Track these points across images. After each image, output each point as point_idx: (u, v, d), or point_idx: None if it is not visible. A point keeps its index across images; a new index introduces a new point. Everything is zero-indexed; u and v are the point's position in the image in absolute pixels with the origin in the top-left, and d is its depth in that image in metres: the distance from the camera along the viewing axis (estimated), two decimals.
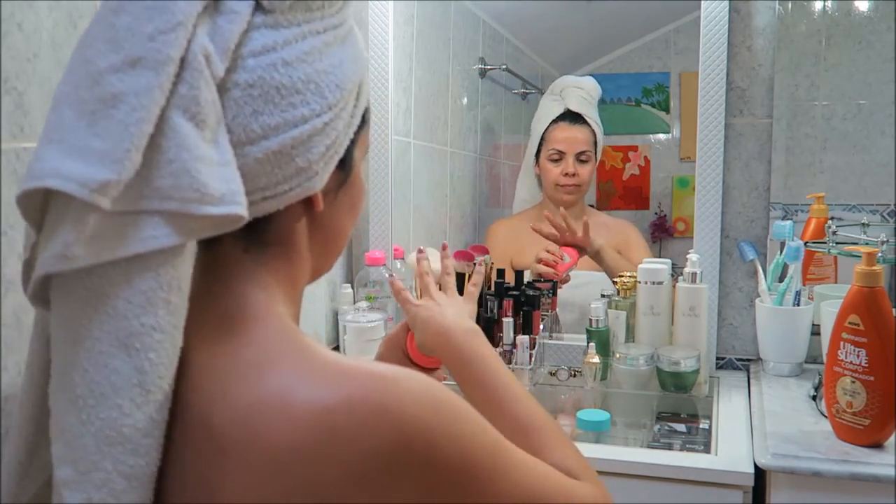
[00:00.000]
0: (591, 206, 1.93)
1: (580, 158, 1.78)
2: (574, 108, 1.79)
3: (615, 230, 1.80)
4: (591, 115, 1.80)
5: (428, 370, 0.92)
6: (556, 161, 1.78)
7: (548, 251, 1.64)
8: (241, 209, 0.51)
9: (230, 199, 0.51)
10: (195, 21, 0.51)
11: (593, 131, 1.80)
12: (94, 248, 0.49)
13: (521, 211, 1.93)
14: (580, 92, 1.80)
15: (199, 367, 0.54)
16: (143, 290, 0.50)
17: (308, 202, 0.59)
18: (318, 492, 0.50)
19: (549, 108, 1.82)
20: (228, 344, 0.55)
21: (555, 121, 1.80)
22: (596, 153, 1.81)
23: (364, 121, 0.64)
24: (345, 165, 0.62)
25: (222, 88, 0.53)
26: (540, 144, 1.82)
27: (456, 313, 0.88)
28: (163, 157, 0.50)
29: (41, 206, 0.52)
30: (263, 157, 0.54)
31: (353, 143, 0.62)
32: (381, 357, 0.94)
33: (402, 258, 1.67)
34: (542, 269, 1.63)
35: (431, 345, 0.86)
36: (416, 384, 0.54)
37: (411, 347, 0.91)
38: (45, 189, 0.48)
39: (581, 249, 1.66)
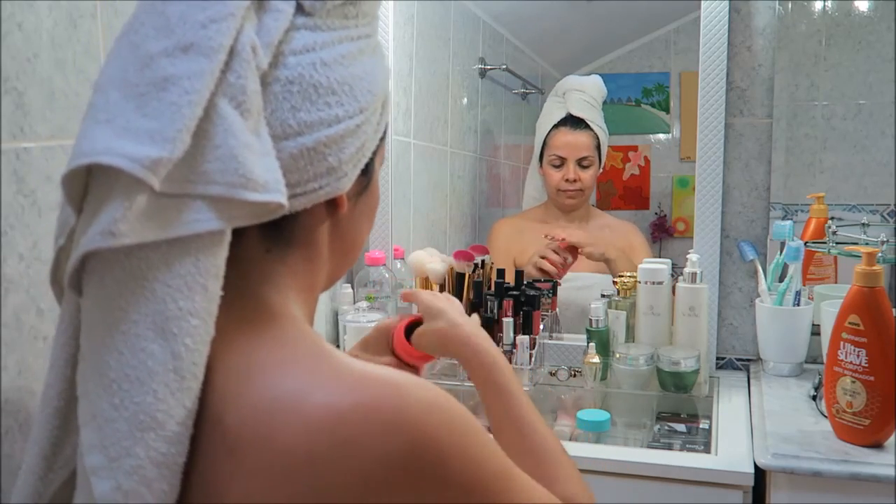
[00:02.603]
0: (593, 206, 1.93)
1: (582, 164, 1.78)
2: (575, 113, 1.79)
3: (619, 232, 1.80)
4: (594, 118, 1.80)
5: (410, 367, 0.90)
6: (557, 167, 1.78)
7: (555, 252, 1.64)
8: (282, 197, 0.53)
9: (273, 187, 0.52)
10: (244, 14, 0.53)
11: (595, 135, 1.79)
12: (139, 226, 0.49)
13: (526, 210, 1.93)
14: (582, 95, 1.80)
15: (214, 364, 0.54)
16: (182, 275, 0.50)
17: (332, 205, 0.60)
18: (327, 497, 0.50)
19: (551, 112, 1.82)
20: (245, 343, 0.55)
21: (556, 125, 1.79)
22: (600, 157, 1.80)
23: (384, 133, 0.66)
24: (367, 172, 0.64)
25: (264, 82, 0.54)
26: (542, 148, 1.82)
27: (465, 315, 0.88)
28: (210, 143, 0.51)
29: (82, 189, 0.52)
30: (298, 153, 0.56)
31: (374, 152, 0.63)
32: (367, 342, 0.92)
33: (402, 258, 1.67)
34: (547, 266, 1.63)
35: (443, 337, 0.85)
36: (429, 394, 0.54)
37: (398, 341, 0.90)
38: (89, 169, 0.49)
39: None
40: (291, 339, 0.56)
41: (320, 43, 0.57)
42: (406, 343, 0.89)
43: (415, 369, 0.91)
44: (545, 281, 1.59)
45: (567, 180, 1.77)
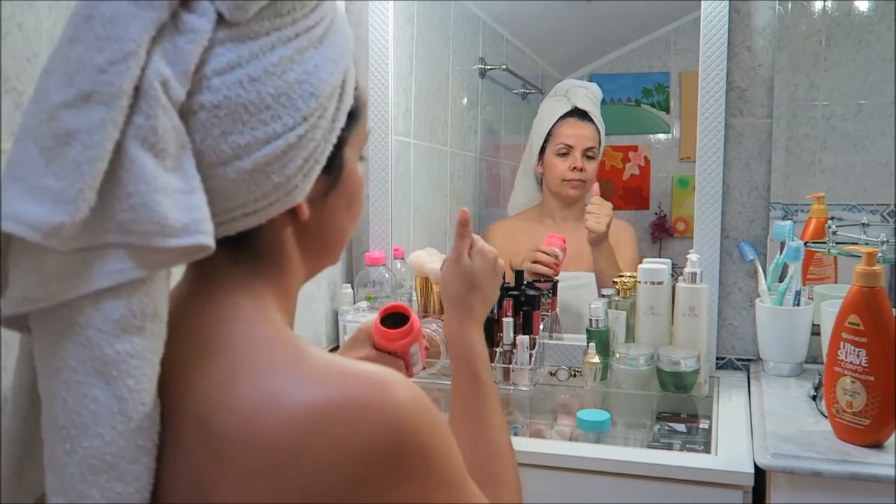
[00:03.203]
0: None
1: (587, 154, 1.80)
2: (581, 106, 1.81)
3: (611, 229, 1.81)
4: (597, 114, 1.83)
5: (393, 354, 0.90)
6: (563, 155, 1.80)
7: (543, 251, 1.64)
8: (204, 238, 0.50)
9: (194, 229, 0.50)
10: (149, 46, 0.50)
11: (598, 130, 1.82)
12: (56, 286, 0.49)
13: (521, 211, 1.94)
14: (586, 91, 1.83)
15: (195, 375, 0.54)
16: (115, 319, 0.50)
17: (293, 212, 0.58)
18: (313, 494, 0.50)
19: (554, 107, 1.84)
20: (224, 350, 0.55)
21: (563, 117, 1.82)
22: (599, 151, 1.83)
23: (355, 117, 0.62)
24: (332, 169, 0.60)
25: (188, 112, 0.52)
26: (545, 141, 1.83)
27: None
28: (123, 191, 0.49)
29: (5, 245, 0.51)
30: (238, 177, 0.53)
31: (342, 142, 0.60)
32: (350, 342, 0.93)
33: (402, 258, 1.67)
34: (541, 269, 1.63)
35: (462, 304, 0.86)
36: (413, 392, 0.54)
37: (376, 331, 0.90)
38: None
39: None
40: (270, 341, 0.56)
41: (246, 56, 0.53)
42: (382, 329, 0.89)
43: (398, 356, 0.90)
44: (545, 281, 1.59)
45: (574, 169, 1.79)
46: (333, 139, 0.59)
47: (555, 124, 1.82)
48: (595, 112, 1.82)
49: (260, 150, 0.53)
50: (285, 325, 0.60)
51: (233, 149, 0.53)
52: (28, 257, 0.49)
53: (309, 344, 0.57)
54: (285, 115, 0.54)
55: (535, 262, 1.64)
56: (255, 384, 0.52)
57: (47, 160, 0.48)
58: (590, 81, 1.87)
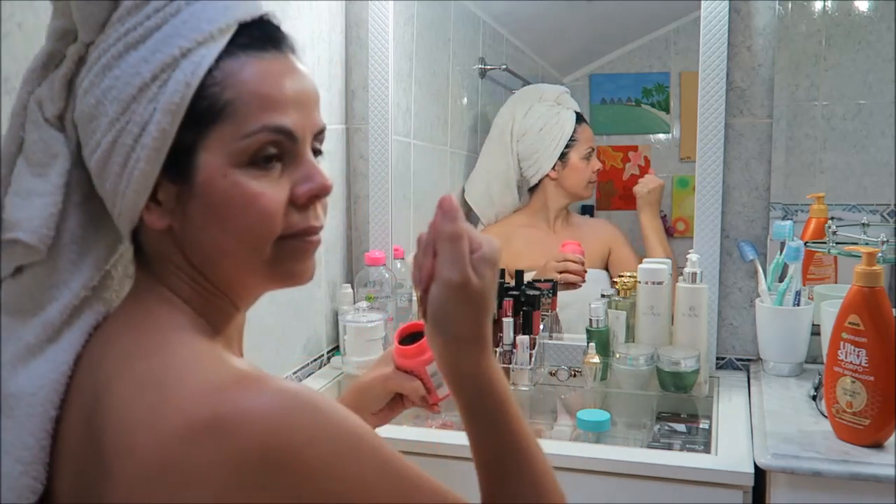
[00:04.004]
0: (591, 207, 1.94)
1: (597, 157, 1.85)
2: (578, 111, 1.84)
3: (600, 229, 1.84)
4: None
5: (410, 373, 0.88)
6: (588, 159, 1.83)
7: (571, 259, 1.65)
8: (26, 235, 0.57)
9: (23, 227, 0.57)
10: (39, 75, 0.61)
11: None
12: None
13: (507, 216, 1.91)
14: (568, 95, 1.85)
15: (103, 379, 0.56)
16: None
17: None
18: None
19: (559, 116, 1.83)
20: (127, 357, 0.57)
21: (578, 122, 1.84)
22: None
23: (216, 116, 0.56)
24: (181, 177, 0.57)
25: (69, 126, 0.60)
26: (567, 146, 1.83)
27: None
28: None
29: None
30: (98, 184, 0.60)
31: (189, 146, 0.56)
32: (378, 361, 0.94)
33: (402, 258, 1.67)
34: (571, 277, 1.64)
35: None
36: (283, 398, 0.52)
37: (395, 350, 0.89)
38: None
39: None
40: (169, 350, 0.57)
41: (87, 68, 0.58)
42: (399, 346, 0.88)
43: (416, 376, 0.88)
44: (545, 281, 1.59)
45: (596, 171, 1.83)
46: (152, 142, 0.55)
47: (575, 130, 1.84)
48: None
49: (92, 158, 0.58)
50: (195, 335, 0.59)
51: (87, 158, 0.59)
52: None
53: (210, 352, 0.58)
54: (101, 122, 0.57)
55: (564, 271, 1.65)
56: (140, 396, 0.54)
57: None
58: (589, 81, 1.88)
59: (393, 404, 0.93)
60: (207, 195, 0.57)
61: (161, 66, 0.55)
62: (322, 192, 0.61)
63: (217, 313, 0.63)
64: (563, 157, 1.85)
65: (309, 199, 0.61)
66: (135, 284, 0.64)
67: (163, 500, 0.51)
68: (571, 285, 1.64)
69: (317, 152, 0.64)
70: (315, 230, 0.62)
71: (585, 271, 1.66)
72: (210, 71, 0.56)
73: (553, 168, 1.86)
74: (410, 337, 0.89)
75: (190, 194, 0.58)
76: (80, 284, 0.60)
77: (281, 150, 0.59)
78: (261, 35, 0.59)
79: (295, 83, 0.59)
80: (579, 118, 1.84)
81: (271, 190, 0.58)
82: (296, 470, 0.51)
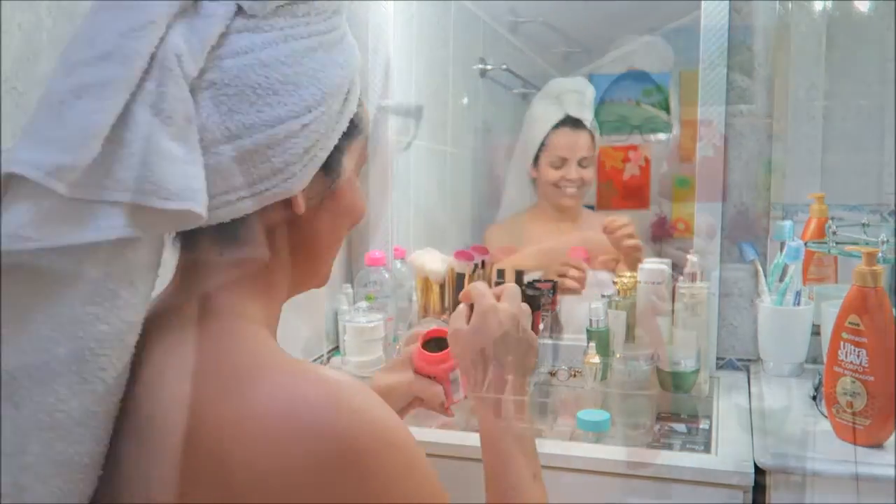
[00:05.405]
0: (591, 207, 1.93)
1: (581, 164, 1.78)
2: (574, 114, 1.79)
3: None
4: (590, 118, 1.81)
5: (430, 377, 0.90)
6: (558, 167, 1.78)
7: (573, 266, 1.64)
8: (195, 205, 0.52)
9: (187, 196, 0.52)
10: (169, 21, 0.53)
11: (592, 136, 1.80)
12: (47, 230, 0.49)
13: (515, 214, 1.92)
14: (578, 96, 1.80)
15: (159, 368, 0.55)
16: (91, 279, 0.50)
17: (288, 205, 0.59)
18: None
19: (547, 113, 1.81)
20: (189, 347, 0.56)
21: (556, 126, 1.79)
22: (594, 157, 1.82)
23: (357, 130, 0.64)
24: (330, 171, 0.62)
25: (197, 88, 0.54)
26: (539, 149, 1.82)
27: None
28: (126, 150, 0.51)
29: (4, 186, 0.52)
30: (238, 156, 0.55)
31: (340, 150, 0.62)
32: (392, 364, 0.95)
33: (403, 258, 1.67)
34: (571, 284, 1.63)
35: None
36: (363, 403, 0.54)
37: (416, 354, 0.90)
38: (8, 181, 0.49)
39: None
40: (236, 344, 0.57)
41: (259, 44, 0.56)
42: (423, 352, 0.89)
43: (437, 381, 0.90)
44: (545, 281, 1.59)
45: (568, 180, 1.77)
46: (335, 138, 0.60)
47: (548, 134, 1.79)
48: (588, 117, 1.79)
49: (263, 132, 0.55)
50: (261, 328, 0.60)
51: (237, 127, 0.55)
52: (25, 199, 0.49)
53: (272, 350, 0.58)
54: (291, 102, 0.56)
55: (563, 276, 1.64)
56: (211, 397, 0.53)
57: (58, 114, 0.50)
58: (589, 81, 1.86)
59: (406, 406, 0.95)
60: (342, 196, 0.65)
61: (352, 79, 0.62)
62: None
63: (274, 319, 0.66)
64: (536, 159, 1.84)
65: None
66: (199, 274, 0.60)
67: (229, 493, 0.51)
68: (569, 290, 1.63)
69: None
70: None
71: (586, 277, 1.65)
72: None
73: (534, 167, 1.85)
74: (432, 343, 0.91)
75: (331, 190, 0.63)
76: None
77: None
78: None
79: None
80: (569, 123, 1.79)
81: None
82: (362, 472, 0.52)
